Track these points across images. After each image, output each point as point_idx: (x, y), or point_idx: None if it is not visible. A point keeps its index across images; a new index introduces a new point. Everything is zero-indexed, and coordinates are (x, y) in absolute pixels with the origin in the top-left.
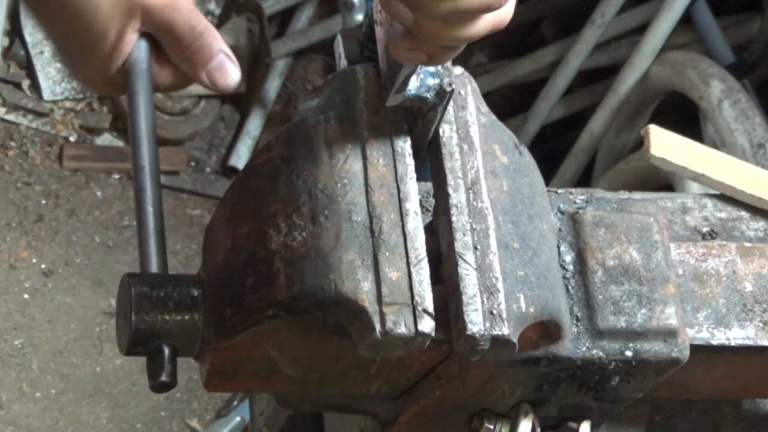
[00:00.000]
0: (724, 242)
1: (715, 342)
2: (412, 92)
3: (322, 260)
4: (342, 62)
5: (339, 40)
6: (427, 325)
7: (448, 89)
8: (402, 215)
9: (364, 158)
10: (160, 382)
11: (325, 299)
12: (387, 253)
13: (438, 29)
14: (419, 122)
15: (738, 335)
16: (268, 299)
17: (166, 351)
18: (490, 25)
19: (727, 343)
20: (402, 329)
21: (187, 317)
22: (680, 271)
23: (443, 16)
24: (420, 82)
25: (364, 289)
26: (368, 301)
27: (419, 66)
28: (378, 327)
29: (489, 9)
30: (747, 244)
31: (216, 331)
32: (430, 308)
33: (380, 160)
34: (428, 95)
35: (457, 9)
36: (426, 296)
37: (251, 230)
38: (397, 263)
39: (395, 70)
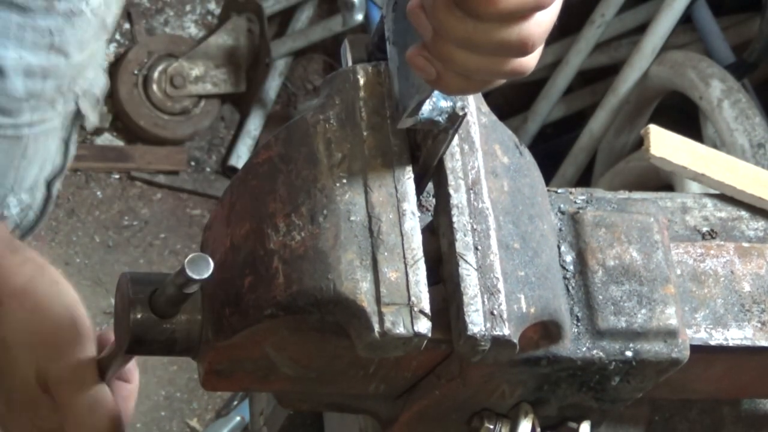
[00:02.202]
0: (722, 242)
1: (713, 342)
2: (424, 115)
3: (320, 260)
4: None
5: (346, 46)
6: (423, 326)
7: (461, 113)
8: (399, 215)
9: (363, 158)
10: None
11: (324, 299)
12: (386, 253)
13: (451, 53)
14: (428, 143)
15: (736, 335)
16: (266, 299)
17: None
18: (509, 70)
19: (725, 343)
20: (400, 329)
21: (184, 317)
22: (678, 272)
23: (460, 41)
24: (432, 105)
25: (362, 289)
26: (367, 301)
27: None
28: (376, 327)
29: (512, 52)
30: (745, 245)
31: (214, 331)
32: (427, 309)
33: (379, 160)
34: (440, 118)
35: (474, 40)
36: (422, 297)
37: (250, 229)
38: (396, 263)
39: (408, 93)
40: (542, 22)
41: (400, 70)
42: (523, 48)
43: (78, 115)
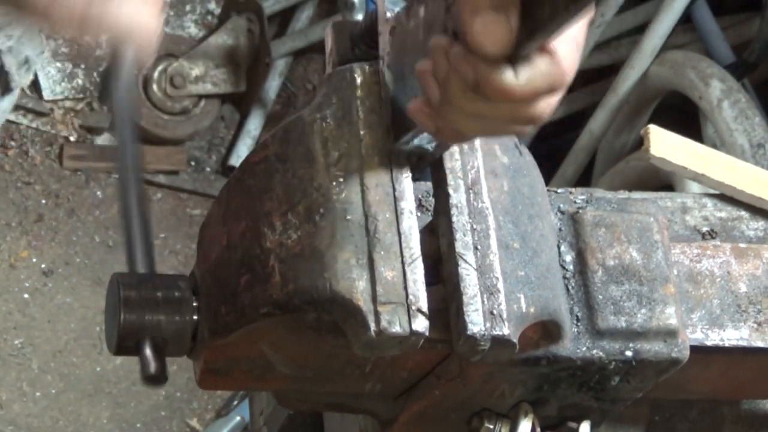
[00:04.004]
0: (719, 243)
1: (709, 343)
2: (415, 142)
3: (317, 259)
4: (332, 58)
5: (329, 33)
6: (421, 324)
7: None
8: (397, 214)
9: (360, 157)
10: (149, 375)
11: (320, 298)
12: (382, 252)
13: (458, 120)
14: (413, 159)
15: (732, 336)
16: (262, 297)
17: (148, 346)
18: (511, 132)
19: (721, 343)
20: (396, 328)
21: (175, 317)
22: (675, 272)
23: (469, 114)
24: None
25: (359, 288)
26: (363, 300)
27: None
28: (373, 326)
29: (519, 124)
30: (742, 245)
31: (210, 329)
32: (424, 308)
33: (376, 159)
34: (429, 147)
35: (484, 115)
36: (420, 296)
37: (246, 228)
38: (392, 262)
39: (401, 121)
40: (553, 100)
41: (394, 95)
42: (531, 123)
43: (2, 71)
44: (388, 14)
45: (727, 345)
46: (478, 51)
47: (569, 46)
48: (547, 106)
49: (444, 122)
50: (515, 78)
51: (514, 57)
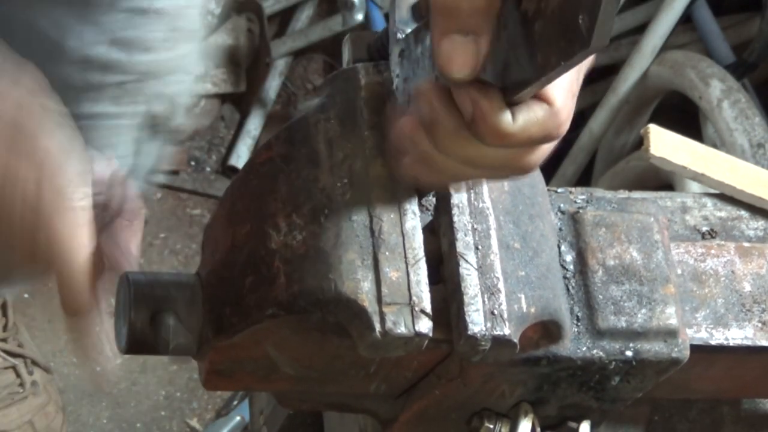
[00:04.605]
0: (722, 242)
1: (713, 342)
2: None
3: (322, 260)
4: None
5: (347, 43)
6: (424, 325)
7: None
8: (401, 215)
9: (364, 158)
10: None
11: (325, 299)
12: (387, 253)
13: (450, 168)
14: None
15: (736, 335)
16: (267, 298)
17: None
18: (502, 177)
19: (725, 343)
20: (402, 329)
21: (185, 316)
22: (679, 271)
23: (461, 160)
24: None
25: (364, 289)
26: (368, 301)
27: None
28: (378, 327)
29: (511, 173)
30: (746, 244)
31: (215, 330)
32: (428, 308)
33: (380, 160)
34: None
35: (478, 162)
36: (423, 296)
37: (251, 229)
38: (397, 263)
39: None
40: (546, 149)
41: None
42: (523, 171)
43: (156, 119)
44: (399, 35)
45: (731, 344)
46: (444, 74)
47: (566, 95)
48: (541, 154)
49: (438, 173)
50: (512, 122)
51: (511, 102)
